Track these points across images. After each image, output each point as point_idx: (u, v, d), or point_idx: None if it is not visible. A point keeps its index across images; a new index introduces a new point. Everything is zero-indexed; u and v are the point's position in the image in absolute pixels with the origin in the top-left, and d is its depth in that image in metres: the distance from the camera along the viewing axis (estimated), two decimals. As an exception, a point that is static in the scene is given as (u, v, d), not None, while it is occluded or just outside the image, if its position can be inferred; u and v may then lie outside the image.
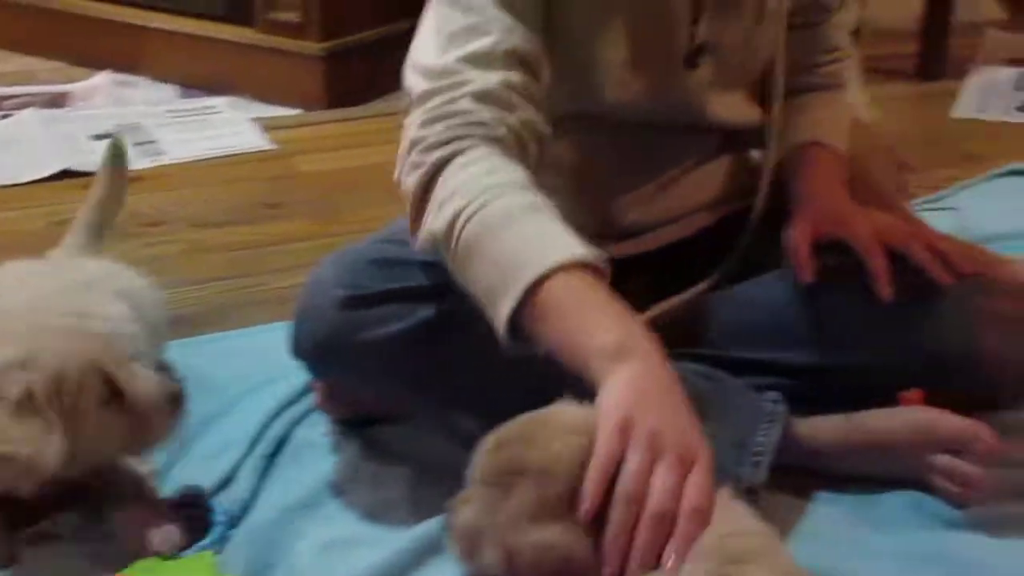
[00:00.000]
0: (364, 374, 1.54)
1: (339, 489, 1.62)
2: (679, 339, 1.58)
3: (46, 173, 2.74)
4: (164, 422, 1.48)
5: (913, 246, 1.57)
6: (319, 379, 1.70)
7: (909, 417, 1.58)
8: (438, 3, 1.51)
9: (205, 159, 2.86)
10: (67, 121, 3.08)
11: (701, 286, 1.70)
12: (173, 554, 1.45)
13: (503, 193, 1.35)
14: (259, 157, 2.89)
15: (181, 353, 1.85)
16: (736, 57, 1.67)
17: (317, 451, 1.70)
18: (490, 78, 1.43)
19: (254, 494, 1.60)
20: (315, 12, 3.13)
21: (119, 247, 2.27)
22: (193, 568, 1.43)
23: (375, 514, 1.57)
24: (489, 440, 1.27)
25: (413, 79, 1.49)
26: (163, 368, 1.68)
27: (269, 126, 3.04)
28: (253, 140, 2.96)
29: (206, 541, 1.49)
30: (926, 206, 2.48)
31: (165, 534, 1.46)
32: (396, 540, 1.49)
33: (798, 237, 1.61)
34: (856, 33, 1.87)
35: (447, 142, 1.40)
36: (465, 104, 1.42)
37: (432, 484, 1.59)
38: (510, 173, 1.39)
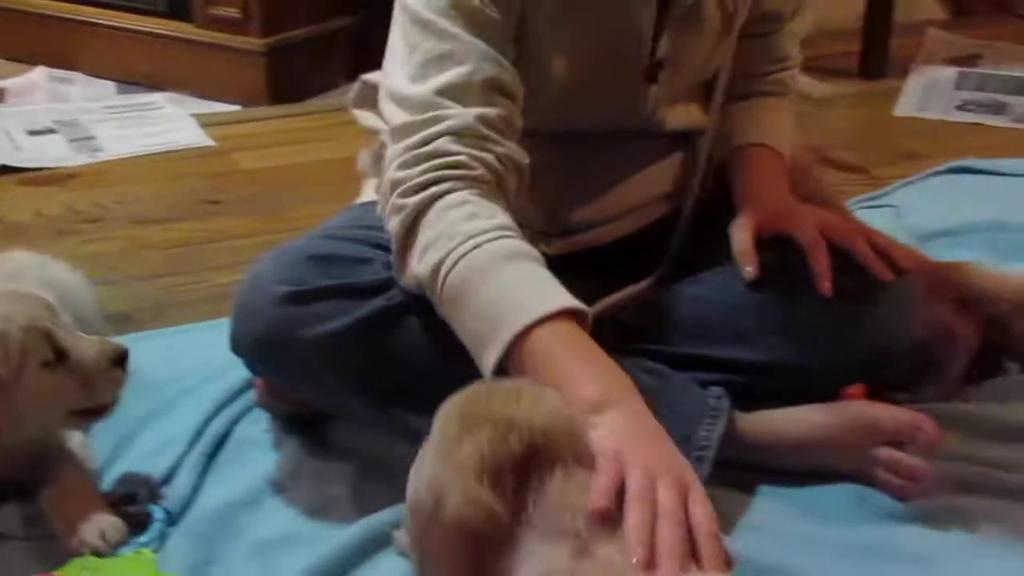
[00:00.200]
0: (304, 370, 1.52)
1: (281, 486, 1.60)
2: (625, 334, 1.58)
3: (-19, 169, 2.70)
4: (109, 384, 1.48)
5: (856, 242, 1.58)
6: (259, 376, 1.68)
7: (852, 411, 1.59)
8: (409, 24, 1.49)
9: (144, 155, 2.83)
10: (2, 117, 3.04)
11: (644, 282, 1.70)
12: (112, 551, 1.43)
13: (485, 240, 1.37)
14: (199, 153, 2.86)
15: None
16: (694, 71, 1.68)
17: (258, 448, 1.68)
18: (467, 114, 1.43)
19: (195, 491, 1.58)
20: (255, 8, 3.10)
21: (57, 244, 2.25)
22: (133, 566, 1.41)
23: (317, 511, 1.55)
24: (461, 392, 1.25)
25: (389, 108, 1.49)
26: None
27: (209, 122, 3.02)
28: (193, 136, 2.94)
29: (144, 537, 1.47)
30: (867, 203, 2.50)
31: (101, 527, 1.45)
32: (339, 536, 1.47)
33: (743, 232, 1.62)
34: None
35: (426, 185, 1.41)
36: (443, 144, 1.42)
37: (375, 480, 1.58)
38: (491, 217, 1.40)
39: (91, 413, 1.51)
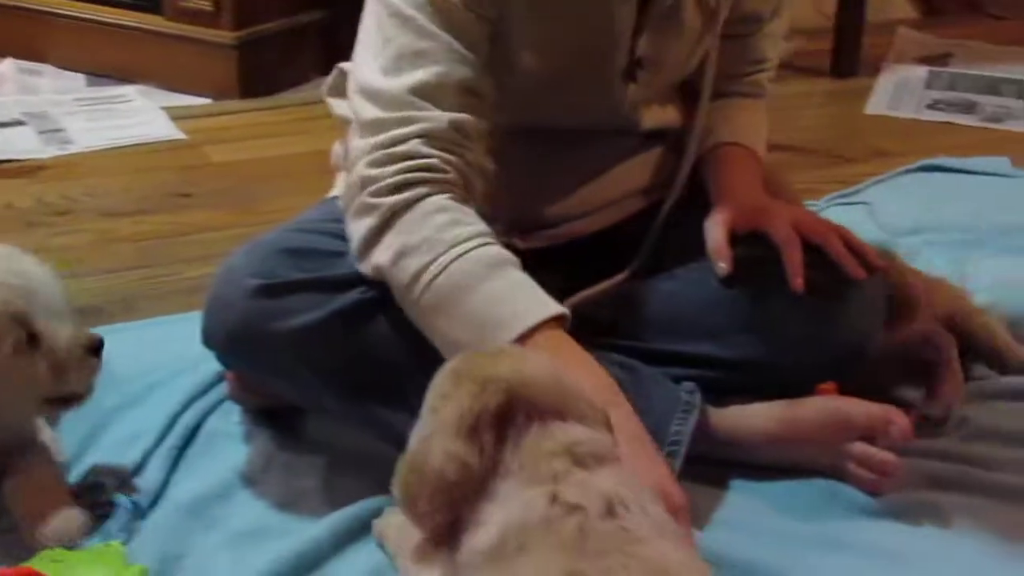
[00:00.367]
0: (276, 364, 1.52)
1: (252, 479, 1.59)
2: (598, 329, 1.58)
3: (-50, 160, 2.68)
4: (83, 372, 1.47)
5: (829, 239, 1.58)
6: (231, 369, 1.67)
7: (823, 406, 1.59)
8: (386, 16, 1.49)
9: (115, 148, 2.80)
10: (-28, 109, 3.02)
11: (618, 277, 1.70)
12: (80, 543, 1.43)
13: (469, 248, 1.40)
14: (170, 146, 2.84)
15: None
16: (674, 72, 1.68)
17: (229, 441, 1.67)
18: (441, 118, 1.45)
19: (165, 484, 1.57)
20: (226, 0, 3.09)
21: (26, 236, 2.23)
22: (102, 558, 1.40)
23: (288, 504, 1.55)
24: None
25: (359, 102, 1.50)
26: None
27: (180, 115, 3.00)
28: (164, 129, 2.92)
29: (113, 529, 1.47)
30: (839, 200, 2.51)
31: (66, 522, 1.44)
32: (310, 530, 1.47)
33: (717, 228, 1.62)
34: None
35: (401, 187, 1.43)
36: (415, 146, 1.44)
37: (346, 473, 1.58)
38: (471, 224, 1.43)
39: (64, 401, 1.50)
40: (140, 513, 1.50)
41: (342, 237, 1.54)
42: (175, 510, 1.52)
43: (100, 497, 1.52)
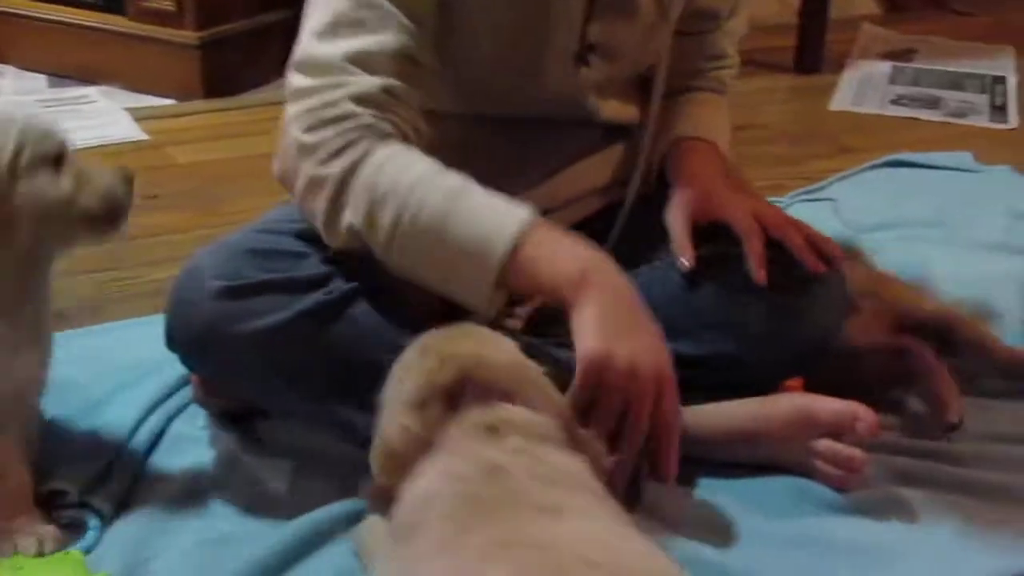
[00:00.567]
0: (241, 365, 1.51)
1: (217, 483, 1.58)
2: (563, 328, 1.58)
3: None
4: (117, 193, 1.45)
5: (789, 233, 1.58)
6: (196, 372, 1.66)
7: (789, 403, 1.59)
8: None
9: (77, 149, 2.76)
10: (-68, 111, 2.98)
11: None
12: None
13: (430, 187, 1.41)
14: (133, 147, 2.82)
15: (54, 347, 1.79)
16: (627, 59, 1.68)
17: (195, 445, 1.66)
18: (371, 82, 1.45)
19: (130, 489, 1.55)
20: (190, 1, 3.07)
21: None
22: (61, 566, 1.40)
23: (254, 508, 1.54)
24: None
25: (293, 74, 1.50)
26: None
27: (143, 116, 2.98)
28: (127, 130, 2.90)
29: (79, 542, 1.46)
30: (804, 197, 2.52)
31: (38, 535, 1.43)
32: (276, 533, 1.46)
33: (678, 220, 1.62)
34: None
35: (343, 150, 1.43)
36: (347, 107, 1.44)
37: (312, 477, 1.58)
38: (420, 162, 1.44)
39: (100, 223, 1.45)
40: (104, 519, 1.49)
41: (306, 237, 1.54)
42: (141, 515, 1.51)
43: (64, 503, 1.50)
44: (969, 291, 2.05)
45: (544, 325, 1.55)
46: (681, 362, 1.58)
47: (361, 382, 1.45)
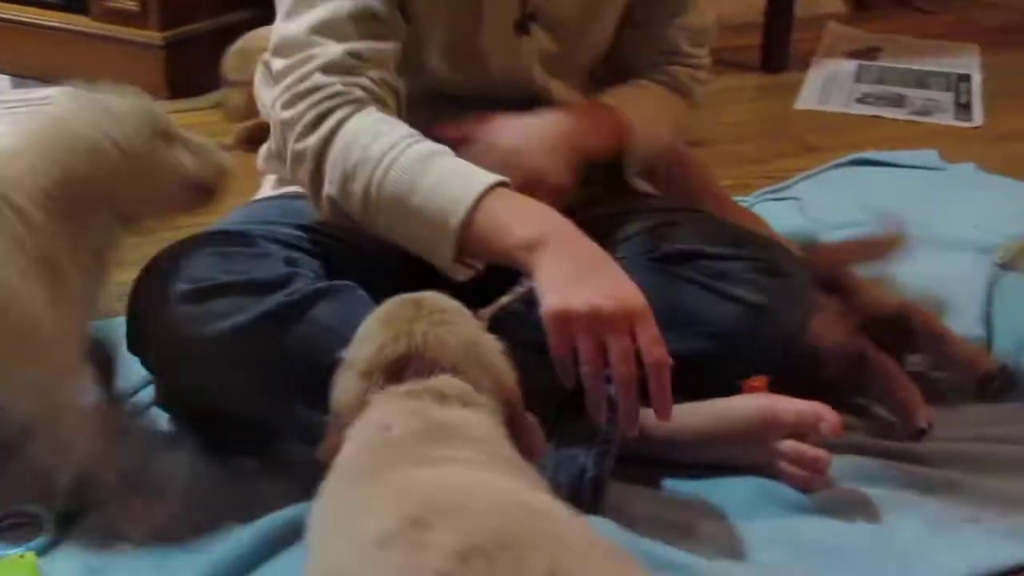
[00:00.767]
0: (203, 368, 1.50)
1: (178, 485, 1.57)
2: (526, 329, 1.57)
3: None
4: (218, 161, 1.56)
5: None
6: (157, 375, 1.65)
7: (753, 404, 1.59)
8: None
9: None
10: None
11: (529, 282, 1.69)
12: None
13: (396, 156, 1.44)
14: (97, 149, 2.80)
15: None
16: (571, 32, 1.67)
17: (156, 447, 1.65)
18: (335, 50, 1.49)
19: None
20: (154, 0, 3.05)
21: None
22: (14, 568, 1.39)
23: (216, 510, 1.52)
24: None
25: (271, 60, 1.56)
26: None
27: (107, 117, 2.96)
28: (91, 132, 2.88)
29: (33, 543, 1.45)
30: (769, 196, 2.52)
31: None
32: (238, 536, 1.45)
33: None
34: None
35: (317, 122, 1.48)
36: (317, 79, 1.49)
37: (274, 479, 1.57)
38: (392, 131, 1.47)
39: (203, 192, 1.56)
40: (64, 523, 1.48)
41: (268, 238, 1.54)
42: (101, 520, 1.49)
43: (22, 507, 1.50)
44: (934, 289, 2.05)
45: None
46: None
47: (324, 383, 1.44)
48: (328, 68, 1.48)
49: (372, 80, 1.50)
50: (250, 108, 2.68)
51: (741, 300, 1.57)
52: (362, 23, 1.51)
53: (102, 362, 1.61)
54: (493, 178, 1.42)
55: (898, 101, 3.22)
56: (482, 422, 1.19)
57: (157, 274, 1.51)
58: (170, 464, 1.61)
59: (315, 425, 1.31)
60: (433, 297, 1.31)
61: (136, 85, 3.03)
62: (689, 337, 1.58)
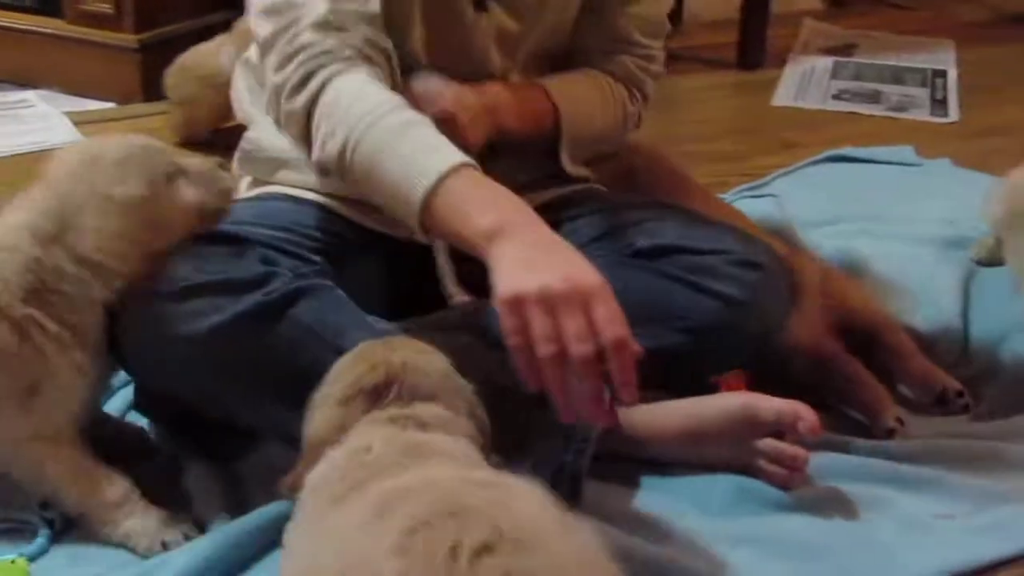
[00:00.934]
0: (181, 368, 1.49)
1: (159, 489, 1.54)
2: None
3: None
4: (224, 185, 1.55)
5: None
6: (135, 375, 1.64)
7: (732, 402, 1.59)
8: None
9: (15, 155, 2.75)
10: None
11: None
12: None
13: (374, 120, 1.44)
14: (73, 152, 2.79)
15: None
16: (528, 10, 1.67)
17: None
18: (320, 7, 1.50)
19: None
20: (128, 3, 3.04)
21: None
22: (5, 573, 1.38)
23: (198, 513, 1.52)
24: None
25: (256, 23, 1.56)
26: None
27: (83, 120, 2.95)
28: (66, 135, 2.87)
29: (25, 549, 1.44)
30: (747, 193, 2.52)
31: None
32: (219, 537, 1.44)
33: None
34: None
35: (305, 81, 1.50)
36: (307, 37, 1.50)
37: (255, 480, 1.57)
38: (373, 95, 1.47)
39: (211, 215, 1.55)
40: (52, 529, 1.48)
41: (242, 238, 1.53)
42: (84, 526, 1.48)
43: (15, 513, 1.50)
44: (909, 285, 2.06)
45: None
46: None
47: (301, 383, 1.43)
48: (318, 25, 1.49)
49: (361, 39, 1.51)
50: (190, 125, 2.72)
51: (720, 294, 1.58)
52: None
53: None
54: (460, 157, 1.41)
55: (874, 97, 3.23)
56: (460, 446, 1.20)
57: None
58: (153, 469, 1.60)
59: (293, 425, 1.31)
60: (403, 338, 1.35)
61: (112, 88, 3.04)
62: (668, 332, 1.58)
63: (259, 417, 1.51)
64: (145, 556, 1.45)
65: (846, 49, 3.61)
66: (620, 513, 1.51)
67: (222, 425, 1.58)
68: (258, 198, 1.70)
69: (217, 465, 1.61)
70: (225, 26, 2.90)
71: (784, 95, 3.24)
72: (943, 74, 3.39)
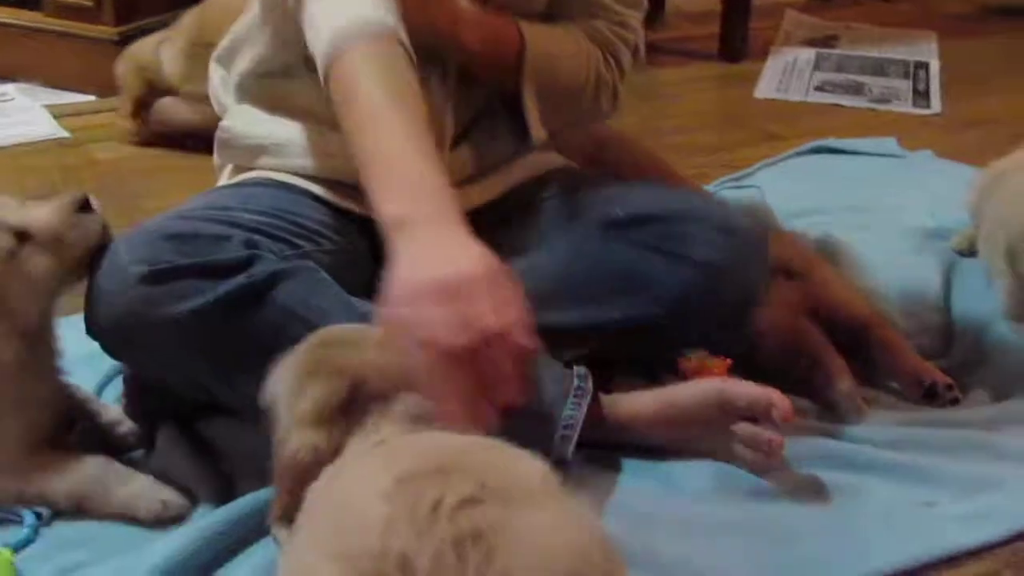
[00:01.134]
0: (163, 351, 1.48)
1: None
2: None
3: None
4: (80, 228, 1.51)
5: None
6: (118, 359, 1.63)
7: (708, 388, 1.59)
8: None
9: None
10: None
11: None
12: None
13: (339, 54, 1.39)
14: (53, 145, 2.79)
15: None
16: None
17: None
18: None
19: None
20: (107, -5, 3.04)
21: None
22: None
23: (185, 505, 1.51)
24: (301, 345, 1.34)
25: None
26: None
27: (62, 113, 2.96)
28: (46, 128, 2.87)
29: (11, 540, 1.44)
30: (730, 185, 2.52)
31: None
32: (205, 526, 1.44)
33: None
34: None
35: None
36: None
37: (243, 471, 1.56)
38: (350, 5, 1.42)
39: (82, 262, 1.52)
40: (39, 519, 1.47)
41: (226, 222, 1.52)
42: (71, 519, 1.48)
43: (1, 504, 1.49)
44: (892, 276, 2.06)
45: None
46: (602, 329, 1.57)
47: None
48: None
49: None
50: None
51: (697, 261, 1.58)
52: None
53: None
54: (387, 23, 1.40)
55: (857, 89, 3.23)
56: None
57: (115, 258, 1.49)
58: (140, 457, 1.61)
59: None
60: (336, 329, 1.36)
61: (91, 81, 3.04)
62: (646, 303, 1.58)
63: (241, 398, 1.49)
64: (147, 523, 1.47)
65: (828, 41, 3.62)
66: (600, 499, 1.51)
67: (205, 407, 1.58)
68: (241, 183, 1.69)
69: (204, 456, 1.60)
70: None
71: (766, 87, 3.24)
72: (925, 66, 3.40)
